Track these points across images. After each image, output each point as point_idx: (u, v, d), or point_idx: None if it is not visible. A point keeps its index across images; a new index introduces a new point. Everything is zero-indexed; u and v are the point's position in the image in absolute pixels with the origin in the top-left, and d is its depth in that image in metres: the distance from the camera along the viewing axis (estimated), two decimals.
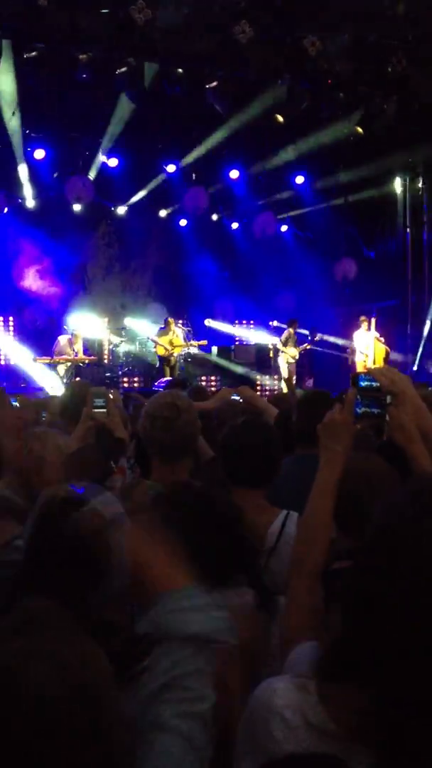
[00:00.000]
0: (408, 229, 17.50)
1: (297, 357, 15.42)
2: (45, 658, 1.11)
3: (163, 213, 16.99)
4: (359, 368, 14.81)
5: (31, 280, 15.77)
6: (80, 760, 1.08)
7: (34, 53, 11.38)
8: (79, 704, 1.10)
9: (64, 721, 1.08)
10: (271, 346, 16.01)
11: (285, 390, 14.28)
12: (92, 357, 14.25)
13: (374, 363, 14.61)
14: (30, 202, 15.19)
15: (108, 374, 14.84)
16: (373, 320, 15.33)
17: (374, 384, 2.15)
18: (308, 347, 15.78)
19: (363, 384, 2.16)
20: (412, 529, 1.30)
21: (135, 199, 16.15)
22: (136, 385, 14.76)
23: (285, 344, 15.35)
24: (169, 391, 3.99)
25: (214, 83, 13.17)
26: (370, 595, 1.31)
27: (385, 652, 1.27)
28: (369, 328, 15.19)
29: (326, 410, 3.55)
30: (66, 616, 1.21)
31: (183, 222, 16.99)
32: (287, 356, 15.27)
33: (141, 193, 16.16)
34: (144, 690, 1.35)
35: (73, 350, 13.78)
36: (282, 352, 15.29)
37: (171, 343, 14.74)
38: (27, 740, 1.06)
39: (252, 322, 17.22)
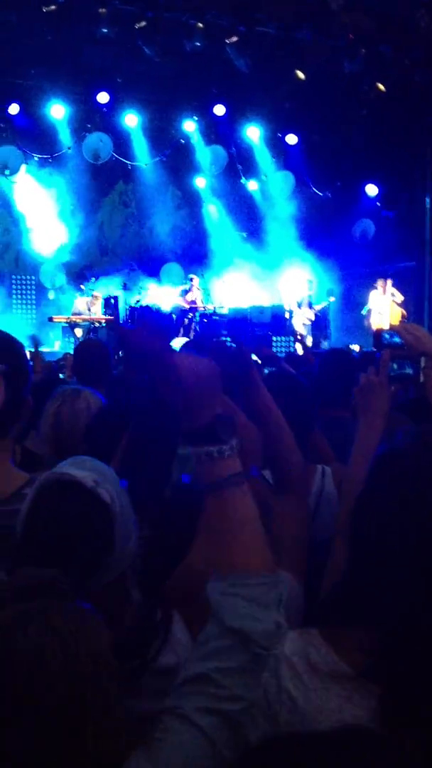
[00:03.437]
0: (428, 191, 17.25)
1: (312, 318, 15.37)
2: (42, 623, 1.12)
3: (180, 172, 16.83)
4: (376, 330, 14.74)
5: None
6: (61, 728, 1.09)
7: (53, 6, 11.22)
8: (71, 674, 1.11)
9: (53, 687, 1.09)
10: (286, 308, 15.95)
11: (300, 351, 14.27)
12: (108, 317, 14.26)
13: (390, 325, 14.55)
14: (47, 160, 15.09)
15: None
16: (389, 282, 15.19)
17: (397, 340, 2.16)
18: (325, 306, 15.72)
19: (386, 341, 2.16)
20: (413, 462, 1.35)
21: (152, 157, 15.99)
22: None
23: (300, 305, 15.30)
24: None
25: (234, 38, 12.98)
26: (374, 529, 1.33)
27: (390, 589, 1.29)
28: (384, 291, 15.09)
29: (350, 371, 3.57)
30: (65, 582, 1.21)
31: (201, 181, 16.84)
32: (303, 317, 15.23)
33: (159, 151, 16.00)
34: (179, 673, 1.29)
35: (90, 312, 13.80)
36: (296, 313, 15.26)
37: (195, 300, 14.78)
38: (17, 703, 1.08)
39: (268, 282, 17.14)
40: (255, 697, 1.26)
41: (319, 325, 15.96)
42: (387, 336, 2.21)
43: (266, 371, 6.47)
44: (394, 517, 1.32)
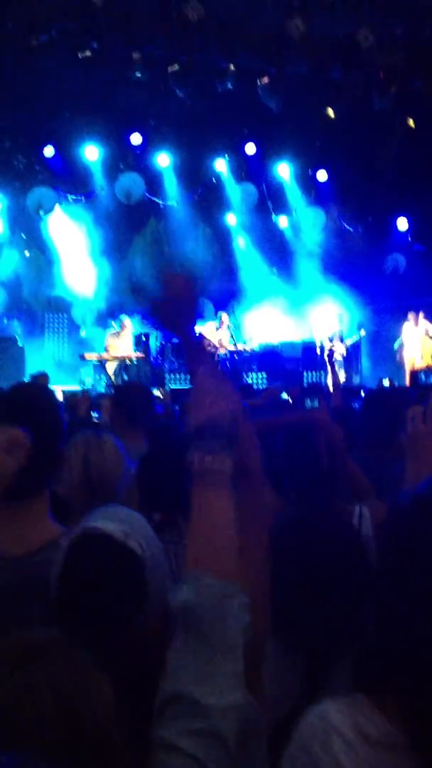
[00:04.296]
0: None
1: (345, 353, 15.33)
2: (45, 690, 1.10)
3: (212, 209, 16.99)
4: (408, 364, 14.67)
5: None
6: None
7: (88, 52, 11.46)
8: (76, 739, 1.09)
9: (58, 754, 1.07)
10: (318, 343, 15.93)
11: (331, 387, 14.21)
12: (139, 354, 14.33)
13: (422, 359, 14.44)
14: (80, 200, 15.32)
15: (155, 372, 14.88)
16: (421, 315, 15.07)
17: None
18: (356, 339, 15.68)
19: (422, 381, 2.21)
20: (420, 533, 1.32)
21: (184, 196, 16.14)
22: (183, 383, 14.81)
23: (331, 340, 15.28)
24: None
25: (266, 79, 13.13)
26: (397, 598, 1.29)
27: (421, 656, 1.23)
28: (417, 323, 14.98)
29: (396, 411, 3.54)
30: (71, 646, 1.20)
31: (232, 218, 16.98)
32: (336, 353, 15.20)
33: (191, 189, 16.16)
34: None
35: (119, 344, 13.86)
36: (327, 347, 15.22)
37: (220, 341, 14.81)
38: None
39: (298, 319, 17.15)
40: (228, 700, 1.23)
41: (350, 359, 15.91)
42: (423, 376, 2.23)
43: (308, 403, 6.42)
44: (414, 573, 1.28)
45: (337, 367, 15.14)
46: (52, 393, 2.17)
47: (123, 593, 1.51)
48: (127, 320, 14.24)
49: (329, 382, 14.94)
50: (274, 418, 3.51)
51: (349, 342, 15.45)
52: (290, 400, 8.01)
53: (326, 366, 15.32)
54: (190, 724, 1.20)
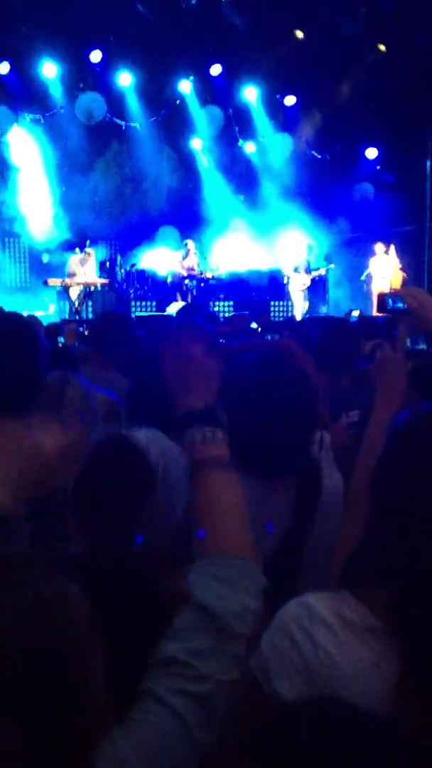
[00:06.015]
0: (429, 156, 17.04)
1: (308, 283, 15.23)
2: (28, 591, 1.08)
3: (176, 133, 16.58)
4: (375, 295, 14.63)
5: None
6: (36, 702, 1.03)
7: None
8: (54, 644, 1.06)
9: (32, 658, 1.04)
10: (285, 272, 15.82)
11: (299, 317, 14.17)
12: (104, 280, 14.09)
13: (391, 290, 14.40)
14: (39, 120, 14.84)
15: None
16: (392, 246, 15.01)
17: (400, 305, 2.15)
18: (323, 272, 15.60)
19: (389, 306, 2.17)
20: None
21: (147, 117, 15.73)
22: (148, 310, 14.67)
23: (297, 270, 15.18)
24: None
25: None
26: (395, 497, 1.42)
27: (409, 551, 1.35)
28: (387, 254, 14.92)
29: (349, 338, 3.62)
30: (38, 562, 1.17)
31: (197, 142, 16.58)
32: (299, 283, 15.11)
33: (154, 111, 15.74)
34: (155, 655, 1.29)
35: (84, 271, 13.61)
36: (292, 278, 15.16)
37: (189, 268, 14.66)
38: None
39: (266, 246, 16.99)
40: (226, 676, 1.27)
41: (316, 291, 15.84)
42: (390, 301, 2.20)
43: (268, 337, 6.39)
44: (414, 485, 1.41)
45: (303, 298, 15.12)
46: (32, 321, 2.17)
47: (131, 490, 1.63)
48: (90, 249, 13.96)
49: (296, 312, 14.95)
50: (247, 343, 3.58)
51: (315, 274, 15.35)
52: (259, 330, 7.97)
53: (290, 296, 15.29)
54: (185, 685, 1.23)
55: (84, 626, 1.10)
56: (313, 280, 15.33)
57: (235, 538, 1.40)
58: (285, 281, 15.69)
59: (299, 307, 15.07)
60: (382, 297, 2.22)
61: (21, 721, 1.01)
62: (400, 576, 1.34)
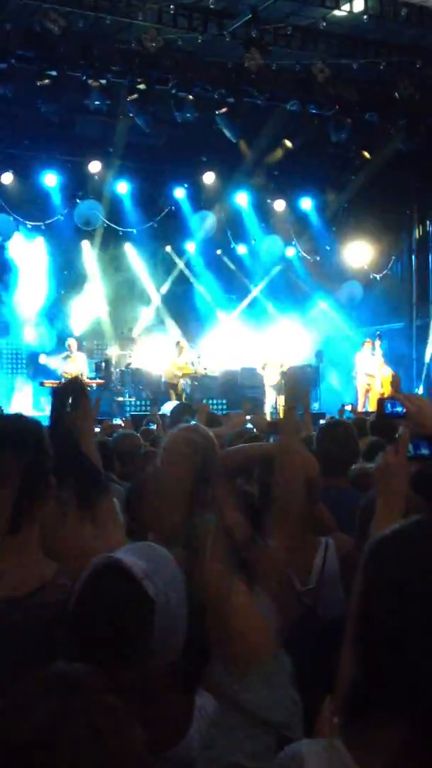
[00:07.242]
0: (414, 253, 17.57)
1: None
2: (80, 721, 1.06)
3: (170, 237, 17.08)
4: (361, 392, 14.79)
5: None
6: None
7: (47, 80, 11.49)
8: None
9: None
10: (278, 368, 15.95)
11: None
12: (99, 381, 14.23)
13: (381, 386, 14.53)
14: (40, 227, 15.28)
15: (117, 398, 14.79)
16: (377, 342, 15.16)
17: (399, 410, 2.14)
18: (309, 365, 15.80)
19: (388, 411, 2.16)
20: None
21: (143, 223, 16.20)
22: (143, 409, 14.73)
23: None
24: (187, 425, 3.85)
25: (224, 109, 13.28)
26: (384, 633, 1.25)
27: (411, 686, 1.20)
28: (374, 350, 15.07)
29: (351, 441, 3.52)
30: (101, 679, 1.16)
31: (191, 246, 17.07)
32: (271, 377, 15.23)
33: (149, 218, 16.23)
34: None
35: (72, 371, 13.73)
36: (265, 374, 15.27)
37: (182, 368, 14.82)
38: None
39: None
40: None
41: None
42: (389, 405, 2.20)
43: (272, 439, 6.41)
44: (407, 601, 1.24)
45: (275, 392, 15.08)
46: (39, 423, 2.13)
47: (129, 628, 1.51)
48: (71, 340, 14.13)
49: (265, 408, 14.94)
50: (253, 448, 3.34)
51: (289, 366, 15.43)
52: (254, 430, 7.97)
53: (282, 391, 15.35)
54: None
55: (137, 757, 1.10)
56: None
57: (258, 635, 1.42)
58: (279, 377, 15.83)
59: (270, 402, 15.06)
60: (381, 402, 2.23)
61: None
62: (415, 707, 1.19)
